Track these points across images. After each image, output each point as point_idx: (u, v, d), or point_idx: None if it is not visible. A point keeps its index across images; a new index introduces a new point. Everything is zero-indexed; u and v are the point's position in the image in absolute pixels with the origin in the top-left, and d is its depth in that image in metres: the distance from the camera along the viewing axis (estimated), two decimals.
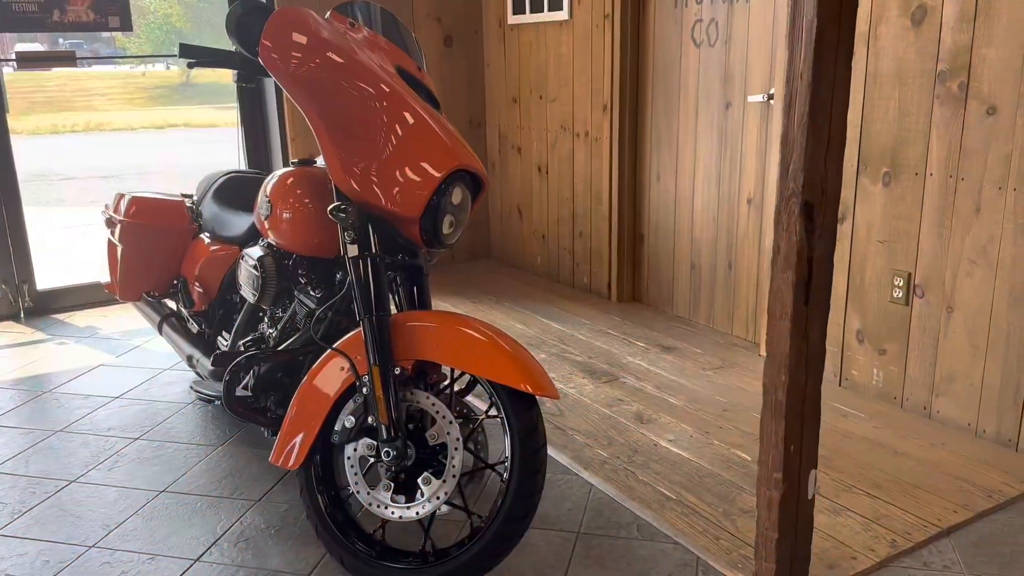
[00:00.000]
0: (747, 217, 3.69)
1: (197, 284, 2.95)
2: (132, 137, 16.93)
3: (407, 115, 2.09)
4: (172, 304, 3.28)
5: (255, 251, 2.53)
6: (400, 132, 2.08)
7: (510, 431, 2.00)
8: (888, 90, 2.92)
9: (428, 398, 2.06)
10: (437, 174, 2.08)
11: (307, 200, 2.33)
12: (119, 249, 3.08)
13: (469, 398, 2.70)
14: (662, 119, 4.04)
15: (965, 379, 2.83)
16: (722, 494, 2.48)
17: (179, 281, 2.97)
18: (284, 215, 2.35)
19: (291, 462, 2.14)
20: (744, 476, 2.59)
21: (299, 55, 1.98)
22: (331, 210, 2.04)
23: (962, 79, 2.70)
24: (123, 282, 3.13)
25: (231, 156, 6.59)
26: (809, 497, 2.01)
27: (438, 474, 2.04)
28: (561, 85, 4.51)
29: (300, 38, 1.98)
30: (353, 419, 2.08)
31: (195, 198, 3.18)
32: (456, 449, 2.02)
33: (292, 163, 2.46)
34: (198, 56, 2.16)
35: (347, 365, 2.10)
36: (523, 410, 2.00)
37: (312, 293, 2.41)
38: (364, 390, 2.06)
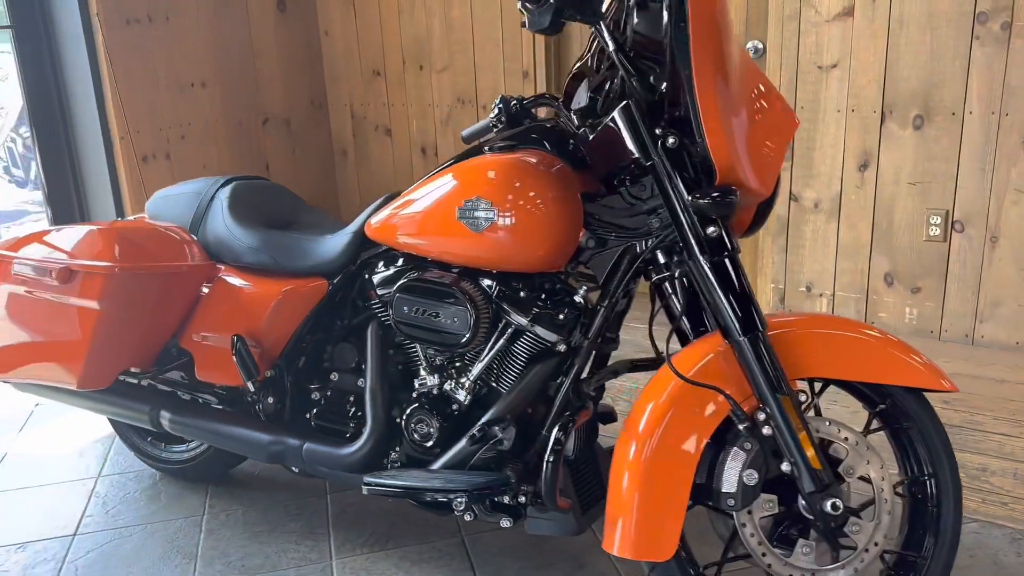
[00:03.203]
0: None
1: (254, 343, 2.03)
2: None
3: (753, 65, 1.62)
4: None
5: (437, 276, 1.79)
6: (755, 89, 1.60)
7: (928, 444, 1.66)
8: (917, 35, 2.97)
9: (828, 423, 1.63)
10: (786, 139, 1.65)
11: (534, 194, 1.69)
12: (95, 314, 1.99)
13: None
14: None
15: (1012, 301, 3.03)
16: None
17: (238, 342, 1.98)
18: (508, 220, 1.68)
19: (661, 550, 1.56)
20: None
21: None
22: (716, 197, 1.50)
23: (1005, 19, 2.83)
24: (94, 362, 2.04)
25: None
26: None
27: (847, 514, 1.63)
28: (455, 52, 3.96)
29: None
30: (755, 473, 1.57)
31: (172, 223, 2.19)
32: (883, 479, 1.62)
33: (491, 148, 1.77)
34: None
35: (718, 403, 1.57)
36: (932, 416, 1.67)
37: (556, 320, 1.76)
38: (765, 430, 1.56)
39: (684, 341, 1.82)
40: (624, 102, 1.59)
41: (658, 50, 1.53)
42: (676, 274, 1.75)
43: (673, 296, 1.77)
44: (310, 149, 4.37)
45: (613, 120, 1.61)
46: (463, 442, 1.80)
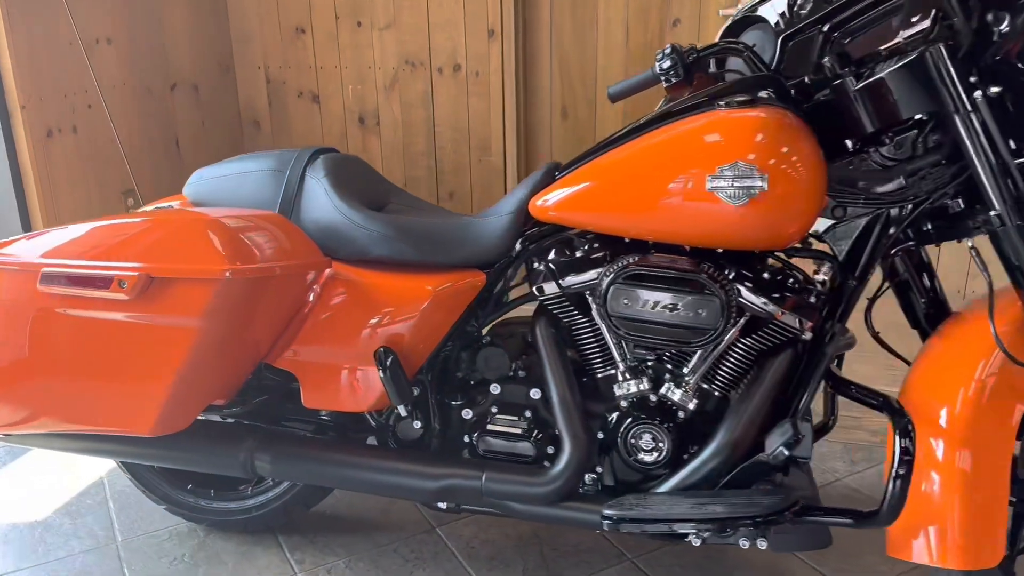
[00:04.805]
0: None
1: (403, 353, 1.61)
2: None
3: None
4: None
5: (668, 261, 1.49)
6: None
7: None
8: None
9: None
10: None
11: (798, 157, 1.44)
12: (192, 334, 1.47)
13: None
14: (568, 40, 3.46)
15: None
16: None
17: (387, 356, 1.55)
18: (779, 189, 1.42)
19: (991, 555, 1.40)
20: None
21: None
22: None
23: None
24: (179, 397, 1.53)
25: None
26: None
27: None
28: (403, 6, 3.51)
29: None
30: None
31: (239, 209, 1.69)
32: None
33: (728, 103, 1.48)
34: None
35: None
36: None
37: (808, 305, 1.53)
38: None
39: (913, 320, 1.67)
40: (925, 47, 1.37)
41: None
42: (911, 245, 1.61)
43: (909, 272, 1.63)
44: (220, 120, 3.74)
45: (909, 66, 1.39)
46: (705, 456, 1.52)
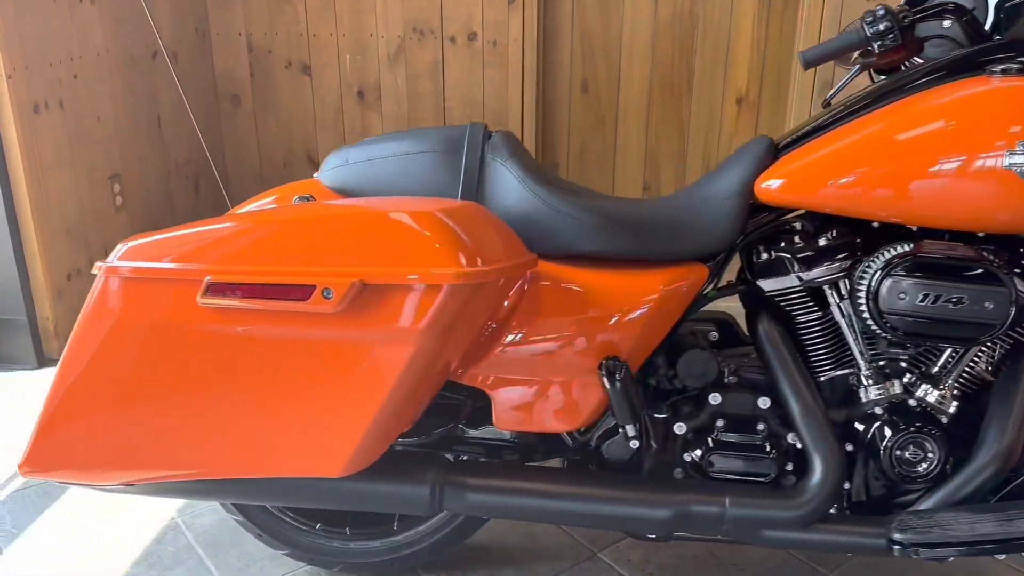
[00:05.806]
0: (736, 120, 3.32)
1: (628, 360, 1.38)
2: None
3: None
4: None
5: (947, 248, 1.33)
6: None
7: None
8: None
9: None
10: None
11: None
12: (407, 353, 1.19)
13: None
14: (592, 10, 3.25)
15: None
16: None
17: (618, 368, 1.30)
18: None
19: None
20: None
21: None
22: None
23: None
24: (381, 427, 1.25)
25: None
26: None
27: None
28: None
29: None
30: None
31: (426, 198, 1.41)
32: None
33: (1004, 70, 1.33)
34: None
35: None
36: None
37: None
38: None
39: None
40: None
41: None
42: None
43: None
44: (198, 92, 3.32)
45: None
46: (976, 466, 1.38)
